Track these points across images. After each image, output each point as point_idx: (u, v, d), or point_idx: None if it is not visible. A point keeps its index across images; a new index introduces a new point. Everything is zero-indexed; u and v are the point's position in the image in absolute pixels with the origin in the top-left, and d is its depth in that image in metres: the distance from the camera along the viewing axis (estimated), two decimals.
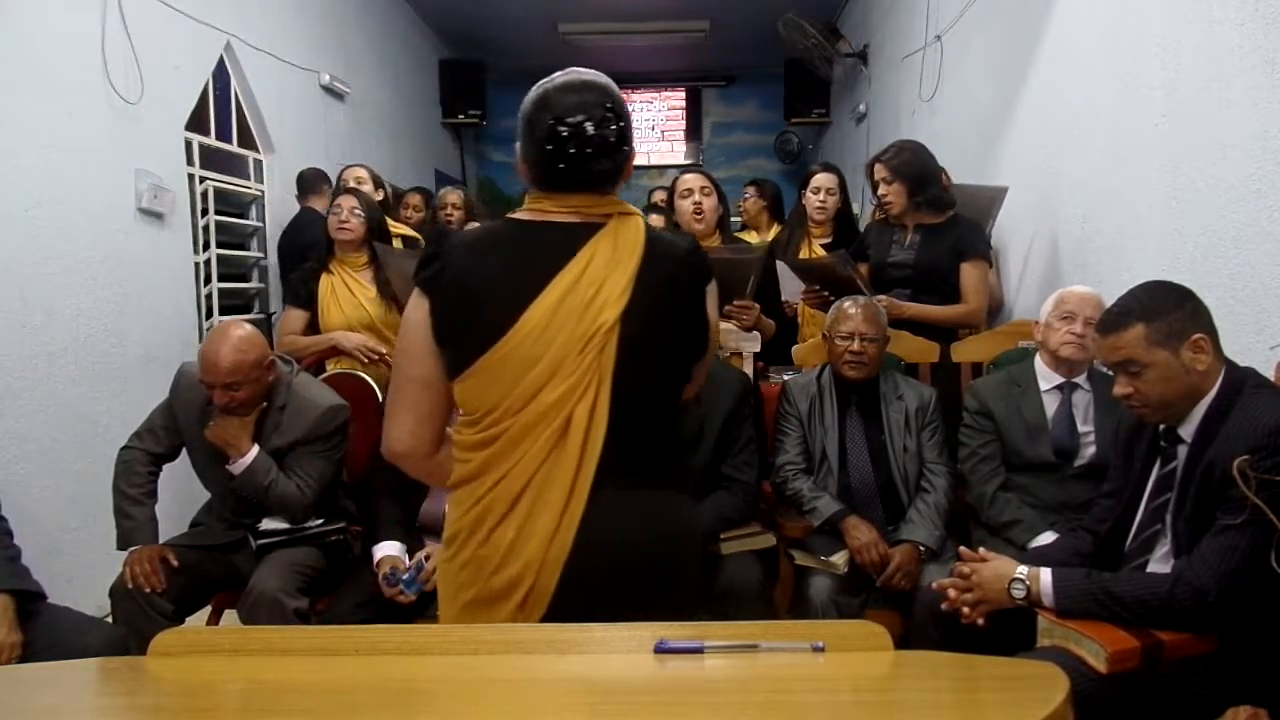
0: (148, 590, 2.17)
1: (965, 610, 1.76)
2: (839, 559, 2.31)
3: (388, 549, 2.26)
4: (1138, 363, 1.64)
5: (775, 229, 4.31)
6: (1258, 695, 1.43)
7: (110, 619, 2.22)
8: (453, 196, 4.40)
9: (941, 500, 2.41)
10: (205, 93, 4.01)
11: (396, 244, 3.50)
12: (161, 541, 2.31)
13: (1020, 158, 3.44)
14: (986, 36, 3.86)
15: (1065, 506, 2.25)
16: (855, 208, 4.09)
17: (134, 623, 2.15)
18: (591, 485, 1.27)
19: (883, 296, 2.81)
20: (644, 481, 1.33)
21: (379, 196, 3.62)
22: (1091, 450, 2.27)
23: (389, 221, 3.55)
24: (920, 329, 2.86)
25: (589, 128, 1.29)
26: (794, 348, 2.94)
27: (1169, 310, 1.64)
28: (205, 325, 3.93)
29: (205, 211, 4.04)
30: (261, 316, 4.51)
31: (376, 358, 2.96)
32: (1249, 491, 1.47)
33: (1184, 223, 2.30)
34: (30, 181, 2.86)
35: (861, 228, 3.65)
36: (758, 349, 2.75)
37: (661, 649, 1.07)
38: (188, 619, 2.34)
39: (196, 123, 3.93)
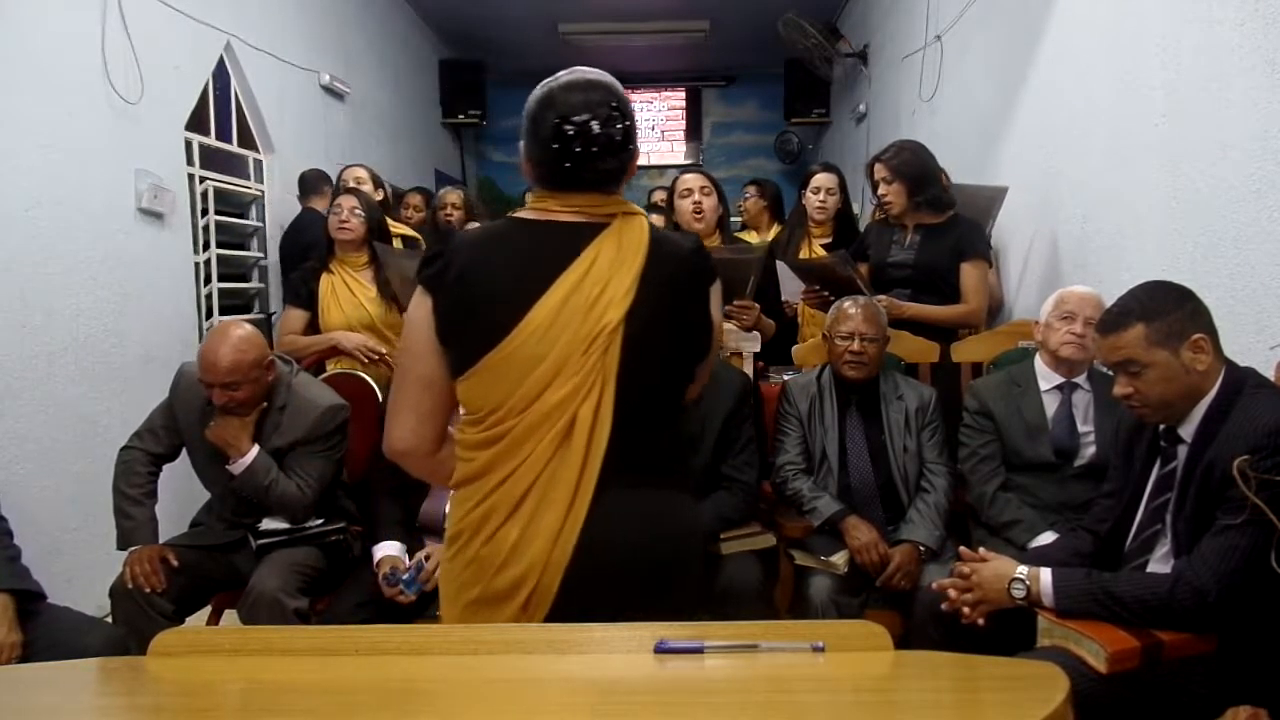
0: (148, 590, 2.17)
1: (965, 610, 1.76)
2: (839, 559, 2.31)
3: (388, 549, 2.26)
4: (1138, 363, 1.64)
5: (776, 229, 4.31)
6: (1258, 695, 1.43)
7: (110, 619, 2.22)
8: (453, 196, 4.40)
9: (941, 500, 2.41)
10: (205, 93, 4.01)
11: (396, 244, 3.50)
12: (161, 541, 2.31)
13: (1020, 158, 3.44)
14: (986, 36, 3.86)
15: (1065, 506, 2.25)
16: (855, 208, 4.09)
17: (134, 623, 2.14)
18: (596, 485, 1.27)
19: (883, 296, 2.81)
20: (648, 481, 1.33)
21: (379, 196, 3.62)
22: (1091, 450, 2.27)
23: (389, 221, 3.55)
24: (920, 329, 2.86)
25: (595, 126, 1.29)
26: (794, 348, 2.94)
27: (1169, 310, 1.64)
28: (205, 325, 3.93)
29: (205, 211, 4.04)
30: (261, 316, 4.51)
31: (376, 358, 2.96)
32: (1249, 491, 1.47)
33: (1184, 223, 2.30)
34: (30, 181, 2.86)
35: (861, 228, 3.65)
36: (758, 349, 2.75)
37: (661, 649, 1.07)
38: (188, 619, 2.34)
39: (196, 123, 3.93)
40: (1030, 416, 2.33)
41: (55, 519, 2.94)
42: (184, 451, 2.42)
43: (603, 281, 1.28)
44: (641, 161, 1.45)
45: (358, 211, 3.12)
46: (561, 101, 1.31)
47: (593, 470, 1.27)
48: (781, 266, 3.16)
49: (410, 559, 2.22)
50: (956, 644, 1.76)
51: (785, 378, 2.79)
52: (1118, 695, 1.51)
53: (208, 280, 4.06)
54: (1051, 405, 2.33)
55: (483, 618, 1.30)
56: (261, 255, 4.56)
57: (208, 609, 2.40)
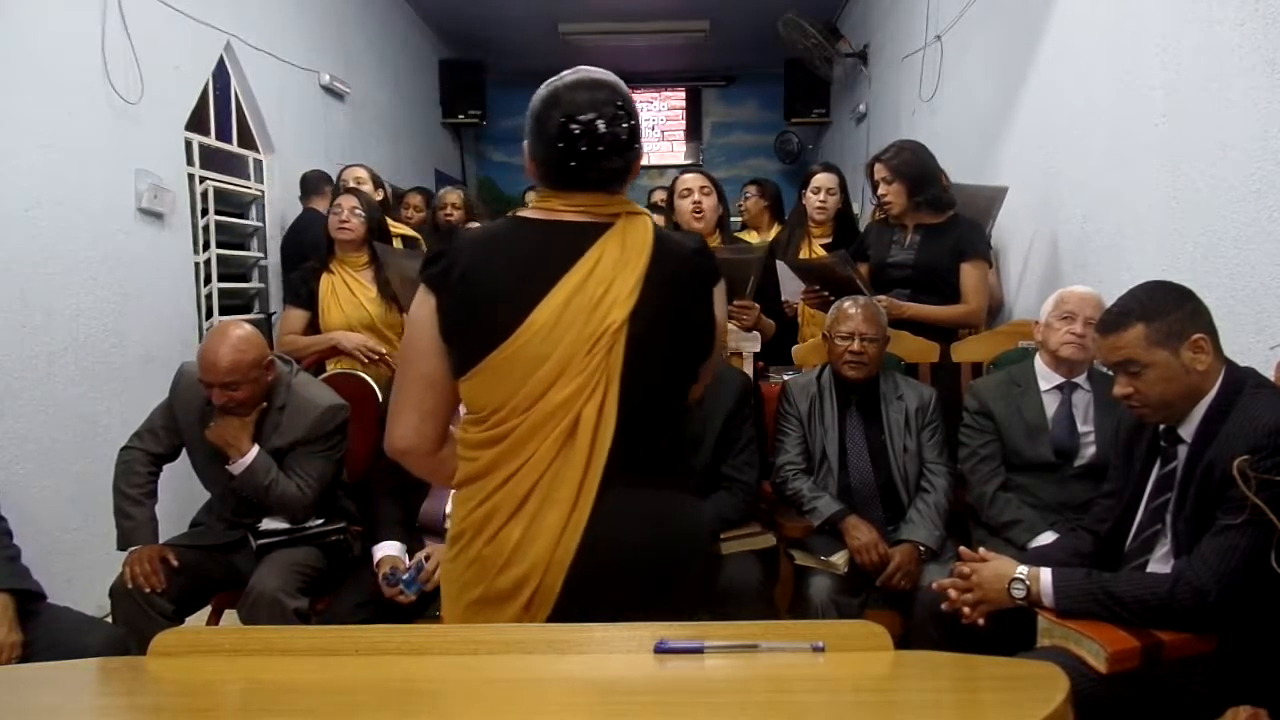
0: (148, 590, 2.17)
1: (965, 610, 1.76)
2: (839, 559, 2.31)
3: (388, 549, 2.26)
4: (1138, 363, 1.64)
5: (776, 229, 4.31)
6: (1258, 695, 1.43)
7: (110, 619, 2.22)
8: (453, 196, 4.40)
9: (941, 500, 2.41)
10: (205, 93, 4.01)
11: (396, 244, 3.50)
12: (161, 541, 2.31)
13: (1020, 158, 3.44)
14: (986, 36, 3.86)
15: (1065, 506, 2.25)
16: (855, 208, 4.09)
17: (134, 623, 2.14)
18: (599, 484, 1.27)
19: (883, 296, 2.81)
20: (651, 481, 1.33)
21: (379, 196, 3.62)
22: (1091, 450, 2.27)
23: (389, 221, 3.55)
24: (920, 329, 2.86)
25: (600, 125, 1.29)
26: (794, 348, 2.94)
27: (1169, 310, 1.64)
28: (205, 325, 3.93)
29: (205, 211, 4.04)
30: (261, 316, 4.51)
31: (376, 358, 2.96)
32: (1249, 491, 1.47)
33: (1184, 223, 2.30)
34: (30, 181, 2.86)
35: (861, 228, 3.65)
36: (758, 349, 2.75)
37: (661, 649, 1.06)
38: (188, 619, 2.34)
39: (196, 123, 3.92)
40: (1030, 416, 2.33)
41: (55, 519, 2.94)
42: (184, 451, 2.42)
43: (607, 281, 1.28)
44: (642, 161, 1.45)
45: (358, 211, 3.12)
46: (567, 100, 1.31)
47: (596, 470, 1.27)
48: (781, 266, 3.16)
49: (410, 559, 2.22)
50: (956, 644, 1.76)
51: (785, 378, 2.79)
52: (1118, 695, 1.51)
53: (208, 280, 4.06)
54: (1051, 405, 2.33)
55: (485, 617, 1.30)
56: (261, 255, 4.56)
57: (208, 609, 2.40)
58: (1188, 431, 1.66)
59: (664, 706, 1.00)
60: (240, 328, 2.27)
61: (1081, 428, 2.30)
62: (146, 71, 3.35)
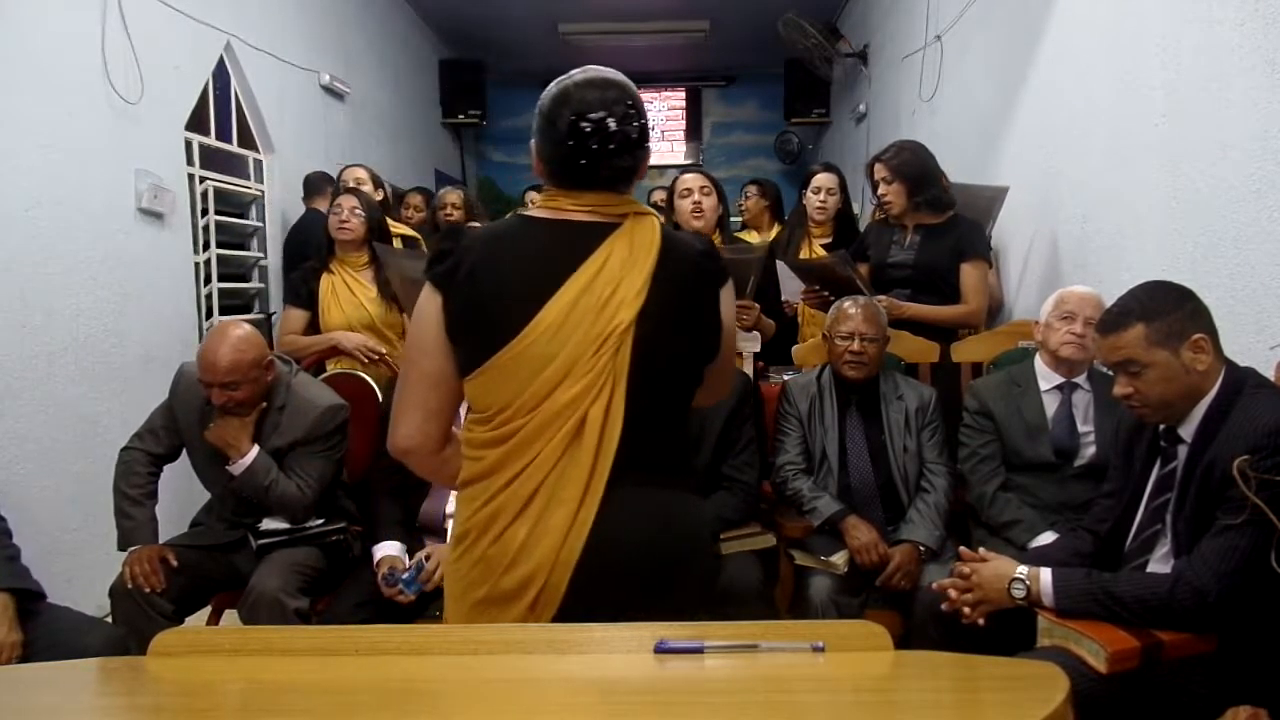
0: (147, 590, 2.17)
1: (965, 610, 1.76)
2: (839, 559, 2.31)
3: (387, 549, 2.26)
4: (1138, 363, 1.64)
5: (776, 229, 4.31)
6: (1258, 695, 1.43)
7: (110, 619, 2.22)
8: (452, 196, 4.41)
9: (941, 500, 2.41)
10: (205, 93, 4.01)
11: (396, 244, 3.50)
12: (161, 541, 2.31)
13: (1020, 158, 3.44)
14: (986, 36, 3.86)
15: (1065, 506, 2.25)
16: (855, 208, 4.09)
17: (134, 623, 2.14)
18: (606, 484, 1.27)
19: (883, 296, 2.81)
20: (656, 480, 1.33)
21: (379, 196, 3.62)
22: (1091, 450, 2.27)
23: (389, 221, 3.55)
24: (920, 329, 2.86)
25: (611, 124, 1.29)
26: (794, 348, 2.94)
27: (1169, 310, 1.64)
28: (205, 325, 3.93)
29: (205, 211, 4.04)
30: (261, 316, 4.51)
31: (377, 358, 2.96)
32: (1249, 491, 1.47)
33: (1184, 223, 2.30)
34: (30, 181, 2.86)
35: (861, 228, 3.65)
36: (758, 349, 2.75)
37: (661, 649, 1.06)
38: (188, 619, 2.34)
39: (196, 123, 3.92)
40: (1030, 416, 2.33)
41: (55, 519, 2.94)
42: (184, 452, 2.42)
43: (614, 282, 1.28)
44: (649, 161, 1.45)
45: (358, 211, 3.12)
46: (577, 99, 1.31)
47: (603, 469, 1.27)
48: (781, 266, 3.16)
49: (410, 559, 2.22)
50: (956, 644, 1.76)
51: (785, 378, 2.79)
52: (1118, 695, 1.51)
53: (208, 280, 4.06)
54: (1051, 405, 2.33)
55: (490, 617, 1.29)
56: (261, 255, 4.56)
57: (208, 609, 2.40)
58: (1188, 431, 1.66)
59: (664, 706, 0.99)
60: (240, 328, 2.27)
61: (1081, 428, 2.30)
62: (146, 71, 3.35)
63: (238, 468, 2.27)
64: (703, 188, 2.86)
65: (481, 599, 1.30)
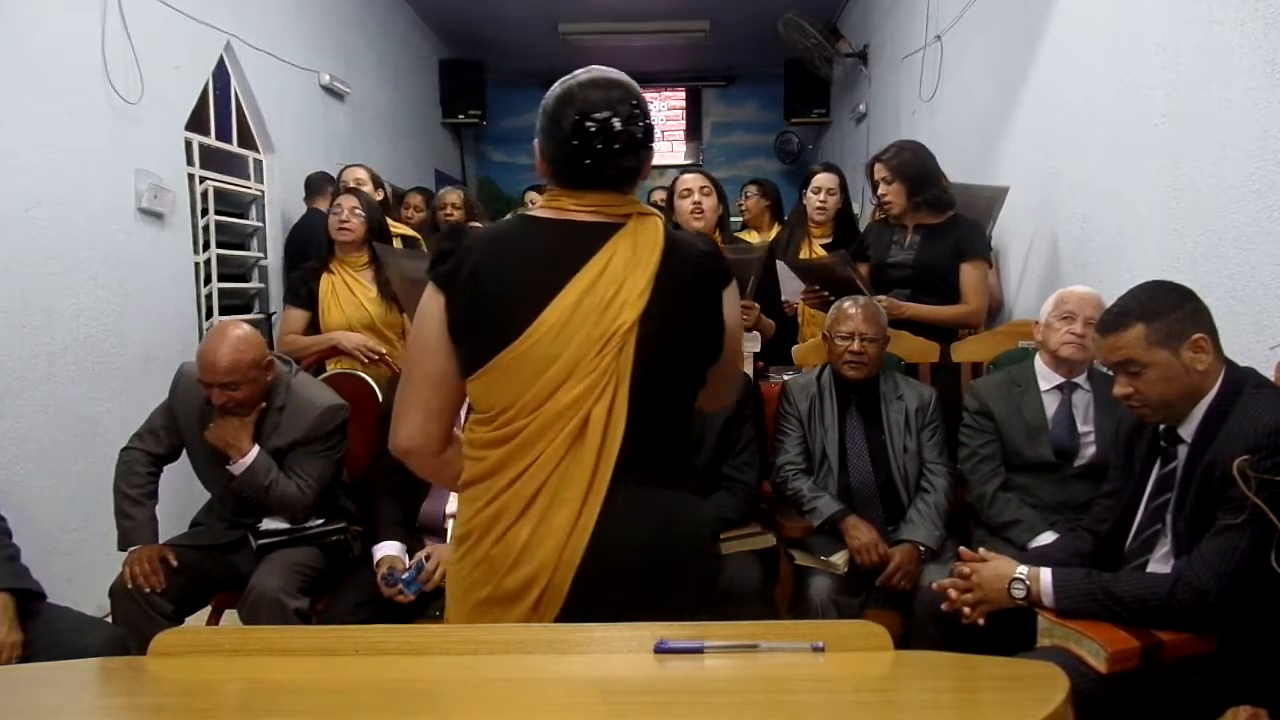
0: (147, 590, 2.17)
1: (965, 610, 1.76)
2: (839, 559, 2.31)
3: (387, 549, 2.25)
4: (1138, 363, 1.64)
5: (776, 229, 4.31)
6: (1258, 695, 1.43)
7: (110, 619, 2.22)
8: (452, 196, 4.41)
9: (941, 500, 2.41)
10: (205, 93, 4.01)
11: (396, 244, 3.50)
12: (161, 541, 2.31)
13: (1020, 158, 3.44)
14: (986, 36, 3.86)
15: (1065, 506, 2.25)
16: (855, 208, 4.09)
17: (134, 623, 2.14)
18: (609, 484, 1.27)
19: (883, 296, 2.81)
20: (657, 481, 1.33)
21: (379, 197, 3.62)
22: (1091, 450, 2.27)
23: (389, 221, 3.56)
24: (920, 329, 2.86)
25: (616, 123, 1.29)
26: (794, 348, 2.94)
27: (1169, 310, 1.63)
28: (205, 325, 3.93)
29: (205, 211, 4.04)
30: (261, 316, 4.51)
31: (377, 358, 2.96)
32: (1249, 491, 1.47)
33: (1184, 223, 2.30)
34: (30, 181, 2.86)
35: (861, 228, 3.65)
36: (758, 349, 2.75)
37: (661, 649, 1.06)
38: (188, 619, 2.34)
39: (196, 123, 3.92)
40: (1030, 416, 2.33)
41: (55, 519, 2.94)
42: (184, 452, 2.42)
43: (618, 282, 1.28)
44: (652, 162, 1.45)
45: (358, 211, 3.12)
46: (582, 99, 1.30)
47: (606, 470, 1.27)
48: (781, 266, 3.16)
49: (410, 559, 2.22)
50: (956, 644, 1.76)
51: (785, 378, 2.79)
52: (1118, 695, 1.51)
53: (208, 280, 4.06)
54: (1051, 405, 2.33)
55: (493, 618, 1.29)
56: (261, 255, 4.56)
57: (208, 609, 2.40)
58: (1188, 431, 1.66)
59: (664, 706, 1.00)
60: (239, 328, 2.27)
61: (1081, 428, 2.30)
62: (146, 71, 3.35)
63: (238, 468, 2.27)
64: (703, 188, 2.86)
65: (484, 599, 1.30)
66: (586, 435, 1.26)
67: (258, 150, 4.57)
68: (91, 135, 3.14)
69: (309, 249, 3.68)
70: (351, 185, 3.58)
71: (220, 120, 4.26)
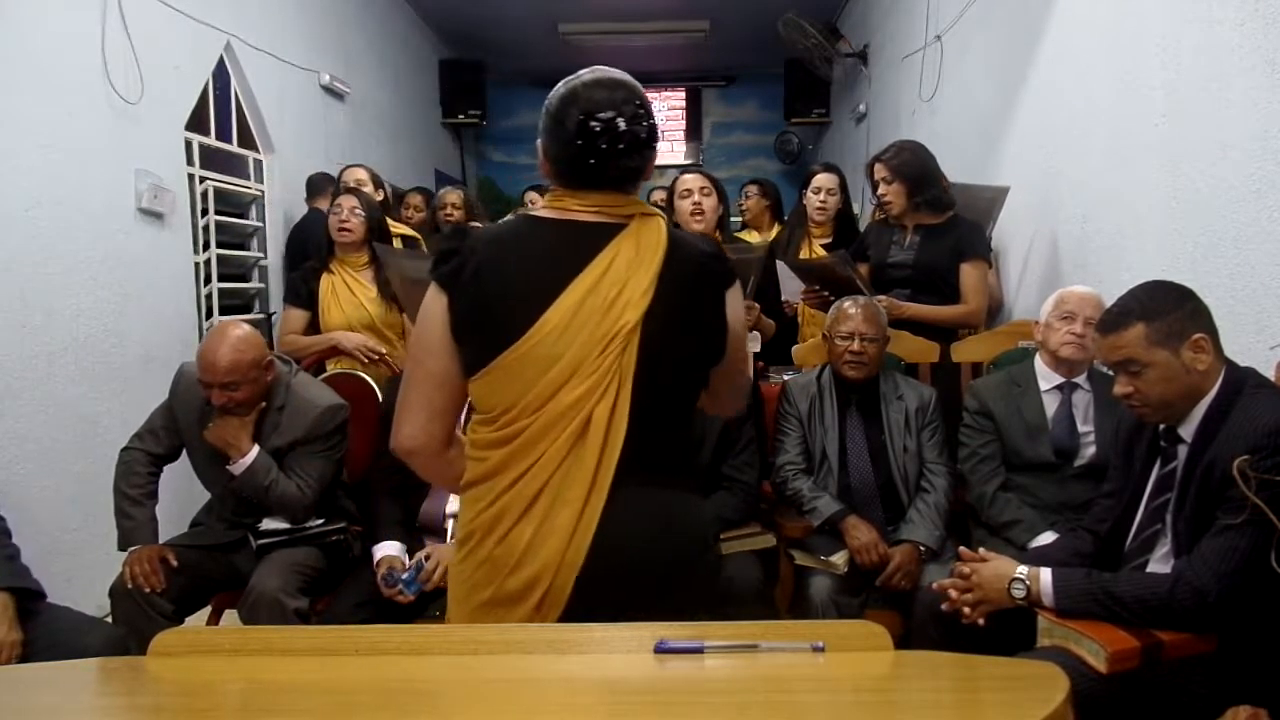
0: (147, 590, 2.17)
1: (965, 610, 1.76)
2: (839, 559, 2.31)
3: (387, 549, 2.25)
4: (1138, 362, 1.64)
5: (776, 229, 4.31)
6: (1258, 695, 1.43)
7: (110, 619, 2.22)
8: (452, 196, 4.41)
9: (941, 500, 2.41)
10: (205, 93, 4.01)
11: (396, 244, 3.50)
12: (161, 541, 2.31)
13: (1020, 158, 3.44)
14: (986, 36, 3.86)
15: (1065, 506, 2.25)
16: (855, 208, 4.09)
17: (134, 623, 2.14)
18: (611, 485, 1.27)
19: (883, 296, 2.81)
20: (659, 481, 1.33)
21: (379, 197, 3.63)
22: (1091, 450, 2.27)
23: (389, 221, 3.56)
24: (920, 329, 2.86)
25: (621, 123, 1.29)
26: (794, 348, 2.94)
27: (1169, 310, 1.63)
28: (205, 325, 3.93)
29: (205, 211, 4.04)
30: (261, 316, 4.51)
31: (377, 358, 2.96)
32: (1249, 491, 1.47)
33: (1184, 223, 2.30)
34: (30, 181, 2.86)
35: (861, 228, 3.65)
36: (758, 349, 2.75)
37: (661, 649, 1.06)
38: (188, 619, 2.34)
39: (196, 123, 3.92)
40: (1030, 416, 2.33)
41: (55, 519, 2.94)
42: (184, 452, 2.42)
43: (620, 282, 1.28)
44: (655, 162, 1.45)
45: (358, 212, 3.12)
46: (586, 98, 1.30)
47: (608, 470, 1.27)
48: (781, 266, 3.16)
49: (410, 559, 2.22)
50: (956, 644, 1.76)
51: (785, 378, 2.79)
52: (1118, 695, 1.51)
53: (208, 280, 4.06)
54: (1051, 405, 2.33)
55: (495, 619, 1.29)
56: (261, 255, 4.56)
57: (208, 609, 2.40)
58: (1188, 431, 1.66)
59: (664, 706, 1.00)
60: (239, 328, 2.27)
61: (1081, 428, 2.30)
62: (146, 71, 3.35)
63: (238, 468, 2.27)
64: (703, 188, 2.86)
65: (487, 600, 1.30)
66: (589, 435, 1.26)
67: (258, 150, 4.57)
68: (91, 135, 3.14)
69: (309, 249, 3.68)
70: (352, 185, 3.58)
71: (220, 120, 4.26)
